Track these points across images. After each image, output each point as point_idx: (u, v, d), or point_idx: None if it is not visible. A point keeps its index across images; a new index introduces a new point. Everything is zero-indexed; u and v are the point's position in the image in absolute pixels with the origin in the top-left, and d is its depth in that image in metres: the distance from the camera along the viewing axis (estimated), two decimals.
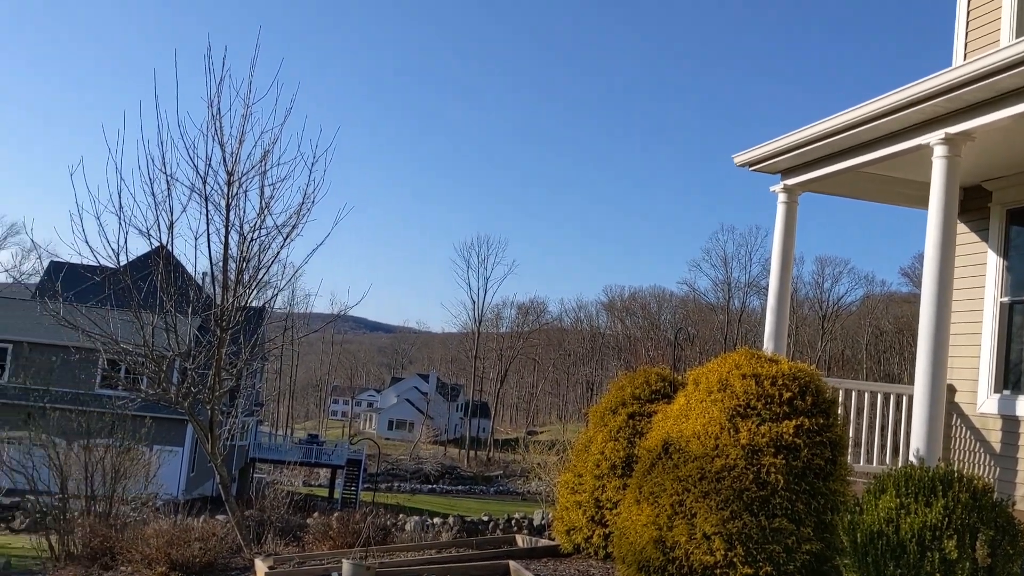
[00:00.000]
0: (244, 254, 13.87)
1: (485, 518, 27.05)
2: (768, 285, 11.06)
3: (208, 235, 13.60)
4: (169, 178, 13.29)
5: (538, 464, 23.94)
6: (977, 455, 9.26)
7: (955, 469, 6.37)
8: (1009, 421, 8.92)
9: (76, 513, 14.82)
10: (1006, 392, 9.16)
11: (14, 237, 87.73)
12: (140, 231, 13.34)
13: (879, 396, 10.30)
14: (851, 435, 9.44)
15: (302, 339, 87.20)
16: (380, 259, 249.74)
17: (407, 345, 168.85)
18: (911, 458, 7.48)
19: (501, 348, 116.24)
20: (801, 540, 7.00)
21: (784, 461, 7.17)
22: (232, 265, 13.82)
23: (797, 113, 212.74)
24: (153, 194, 13.27)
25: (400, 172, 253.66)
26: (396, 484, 75.31)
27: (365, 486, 59.74)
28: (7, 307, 45.73)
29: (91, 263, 13.71)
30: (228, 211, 13.58)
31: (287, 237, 14.07)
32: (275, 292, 16.58)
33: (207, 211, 13.52)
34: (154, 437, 19.09)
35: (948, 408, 9.13)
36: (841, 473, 7.45)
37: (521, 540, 11.19)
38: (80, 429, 15.95)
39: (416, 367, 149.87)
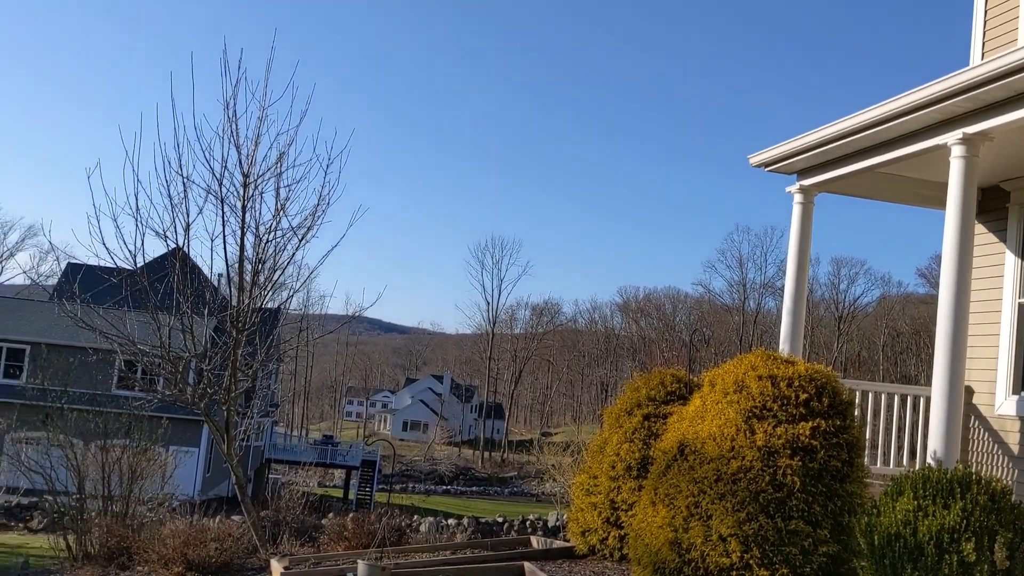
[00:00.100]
0: (260, 255, 13.94)
1: (500, 519, 27.08)
2: (784, 286, 11.01)
3: (224, 237, 13.70)
4: (185, 180, 13.40)
5: (553, 465, 23.95)
6: (995, 457, 9.19)
7: (973, 471, 6.33)
8: None
9: (93, 513, 14.92)
10: None
11: (32, 239, 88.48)
12: (157, 233, 13.44)
13: (896, 398, 10.23)
14: (868, 437, 9.39)
15: (317, 340, 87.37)
16: (395, 260, 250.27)
17: (421, 346, 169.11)
18: (929, 460, 7.43)
19: (515, 349, 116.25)
20: (818, 542, 6.96)
21: (800, 463, 7.14)
22: (248, 266, 13.89)
23: (813, 114, 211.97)
24: (169, 196, 13.38)
25: (414, 174, 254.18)
26: (410, 485, 75.41)
27: (380, 487, 59.83)
28: (25, 309, 46.11)
29: (108, 265, 13.81)
30: (244, 213, 13.66)
31: (302, 238, 14.14)
32: (290, 293, 16.68)
33: (223, 213, 13.62)
34: (170, 438, 19.19)
35: (966, 410, 9.06)
36: (858, 475, 7.41)
37: (536, 541, 11.19)
38: (97, 430, 16.06)
39: (430, 368, 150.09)
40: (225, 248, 13.77)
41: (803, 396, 7.43)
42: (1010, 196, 9.64)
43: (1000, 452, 9.15)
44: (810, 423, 7.29)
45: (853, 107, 10.46)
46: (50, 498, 16.33)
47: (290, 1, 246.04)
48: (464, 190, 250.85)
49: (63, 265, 52.39)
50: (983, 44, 10.04)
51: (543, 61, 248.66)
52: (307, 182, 14.18)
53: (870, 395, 10.17)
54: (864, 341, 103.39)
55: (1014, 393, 9.16)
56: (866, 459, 8.76)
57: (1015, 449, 8.97)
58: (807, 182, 10.40)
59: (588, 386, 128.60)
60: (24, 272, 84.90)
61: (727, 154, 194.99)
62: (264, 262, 14.03)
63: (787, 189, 10.71)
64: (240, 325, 13.69)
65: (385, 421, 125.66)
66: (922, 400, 9.97)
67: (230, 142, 13.54)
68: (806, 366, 7.80)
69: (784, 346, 10.36)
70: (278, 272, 14.38)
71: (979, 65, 7.43)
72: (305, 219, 14.10)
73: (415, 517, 24.04)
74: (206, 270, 14.95)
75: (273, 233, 13.97)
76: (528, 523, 24.15)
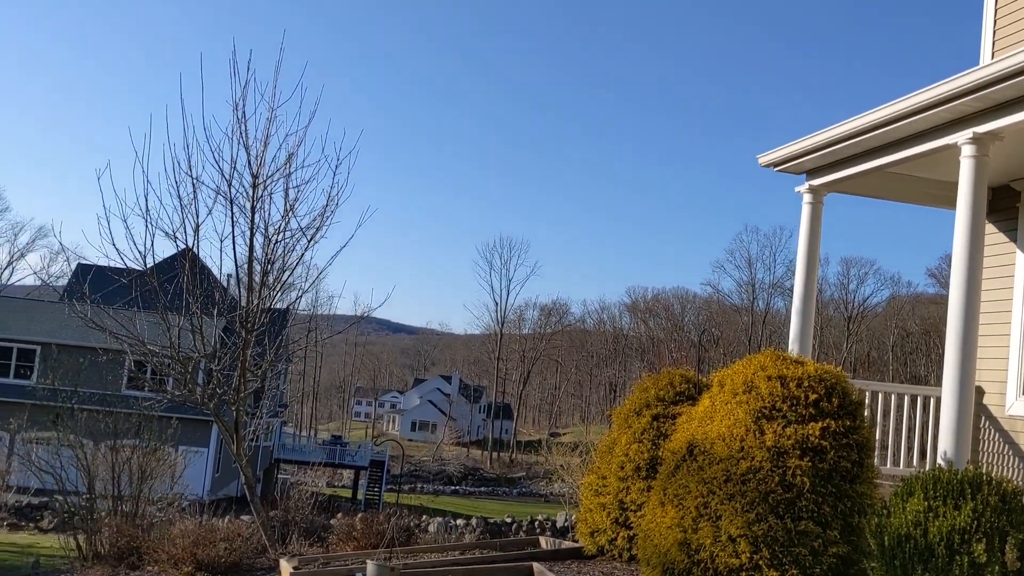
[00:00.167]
0: (269, 256, 13.96)
1: (508, 520, 27.06)
2: (793, 286, 10.99)
3: (233, 237, 13.73)
4: (195, 181, 13.42)
5: (561, 466, 23.93)
6: (1006, 458, 9.16)
7: (984, 472, 6.30)
8: None
9: (103, 513, 14.96)
10: None
11: (42, 240, 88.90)
12: (166, 233, 13.47)
13: (906, 398, 10.21)
14: (877, 437, 9.36)
15: (326, 341, 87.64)
16: (403, 261, 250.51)
17: (430, 347, 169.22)
18: (939, 460, 7.41)
19: (524, 349, 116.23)
20: (827, 543, 6.95)
21: (810, 463, 7.13)
22: (257, 267, 13.92)
23: (822, 114, 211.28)
24: (179, 197, 13.40)
25: (422, 174, 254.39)
26: (419, 485, 75.47)
27: (388, 487, 59.88)
28: (36, 309, 46.30)
29: (118, 265, 13.85)
30: (253, 213, 13.67)
31: (311, 239, 14.15)
32: (299, 294, 16.69)
33: (232, 213, 13.64)
34: (180, 438, 19.23)
35: (976, 410, 9.03)
36: (868, 475, 7.39)
37: (545, 542, 11.18)
38: (107, 430, 16.09)
39: (439, 368, 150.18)
40: (234, 249, 13.82)
41: (813, 396, 7.42)
42: (1020, 196, 9.61)
43: (1011, 453, 9.12)
44: (820, 423, 7.27)
45: (863, 107, 10.44)
46: (60, 498, 16.39)
47: (294, 2, 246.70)
48: (472, 191, 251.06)
49: (73, 266, 52.65)
50: (993, 43, 10.00)
51: (549, 62, 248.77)
52: (316, 183, 14.20)
53: (880, 395, 10.15)
54: (874, 341, 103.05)
55: None
56: (876, 460, 8.75)
57: None
58: (816, 182, 10.38)
59: (596, 386, 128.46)
60: (35, 273, 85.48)
61: (735, 154, 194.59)
62: (273, 263, 14.05)
63: (796, 189, 10.69)
64: (249, 325, 13.72)
65: (394, 421, 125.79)
66: (932, 400, 9.94)
67: (239, 143, 13.58)
68: (815, 366, 7.78)
69: (793, 346, 10.34)
70: (287, 273, 14.40)
71: (989, 64, 7.41)
72: (314, 220, 14.13)
73: (424, 517, 24.05)
74: (215, 271, 14.99)
75: (282, 234, 14.00)
76: (537, 524, 24.11)
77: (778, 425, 7.32)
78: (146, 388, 16.79)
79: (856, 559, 6.92)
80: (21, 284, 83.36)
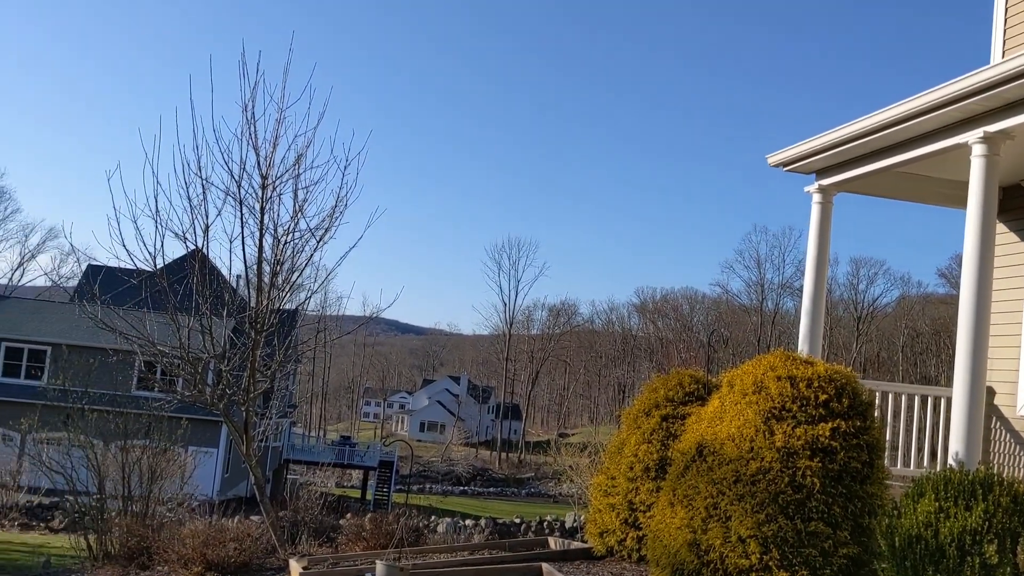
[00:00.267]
0: (278, 257, 14.00)
1: (517, 520, 27.03)
2: (802, 286, 10.96)
3: (243, 238, 13.75)
4: (204, 182, 13.46)
5: (570, 466, 23.90)
6: (1018, 458, 9.12)
7: (995, 472, 6.28)
8: None
9: (113, 513, 15.01)
10: None
11: (53, 241, 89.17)
12: (176, 235, 13.51)
13: (916, 398, 10.17)
14: (888, 438, 9.33)
15: (334, 341, 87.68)
16: (412, 261, 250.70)
17: (438, 347, 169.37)
18: (950, 461, 7.39)
19: (532, 350, 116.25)
20: (838, 544, 6.92)
21: (820, 464, 7.10)
22: (266, 268, 13.96)
23: (831, 114, 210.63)
24: (189, 198, 13.44)
25: (429, 175, 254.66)
26: (428, 486, 75.57)
27: (397, 487, 59.96)
28: (46, 310, 46.51)
29: (128, 266, 13.90)
30: (262, 214, 13.71)
31: (320, 240, 14.18)
32: (308, 294, 16.74)
33: (242, 214, 13.67)
34: (190, 438, 19.29)
35: (987, 411, 8.99)
36: (878, 476, 7.36)
37: (554, 542, 11.18)
38: (117, 430, 16.14)
39: (447, 369, 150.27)
40: (244, 250, 13.84)
41: (822, 397, 7.39)
42: None
43: (1022, 453, 9.07)
44: (830, 424, 7.24)
45: (873, 106, 10.40)
46: (71, 498, 16.46)
47: (299, 3, 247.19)
48: (481, 192, 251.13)
49: (83, 267, 52.94)
50: (1004, 42, 9.96)
51: (555, 61, 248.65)
52: (324, 183, 14.22)
53: (890, 396, 10.11)
54: (883, 342, 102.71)
55: None
56: (886, 460, 8.72)
57: None
58: (826, 182, 10.35)
59: (605, 387, 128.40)
60: (45, 274, 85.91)
61: (744, 154, 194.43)
62: (282, 263, 14.09)
63: (805, 189, 10.66)
64: (259, 326, 13.75)
65: (402, 422, 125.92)
66: (942, 401, 9.90)
67: (248, 144, 13.61)
68: (825, 367, 7.76)
69: (803, 346, 10.31)
70: (296, 273, 14.44)
71: (999, 64, 7.38)
72: (323, 220, 14.16)
73: (433, 518, 24.04)
74: (225, 272, 15.02)
75: (291, 235, 14.03)
76: (546, 524, 24.07)
77: (788, 426, 7.30)
78: (156, 389, 16.81)
79: (866, 560, 6.89)
80: (32, 285, 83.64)
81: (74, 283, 61.07)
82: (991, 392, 9.28)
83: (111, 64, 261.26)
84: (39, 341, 42.36)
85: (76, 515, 16.69)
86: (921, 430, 9.99)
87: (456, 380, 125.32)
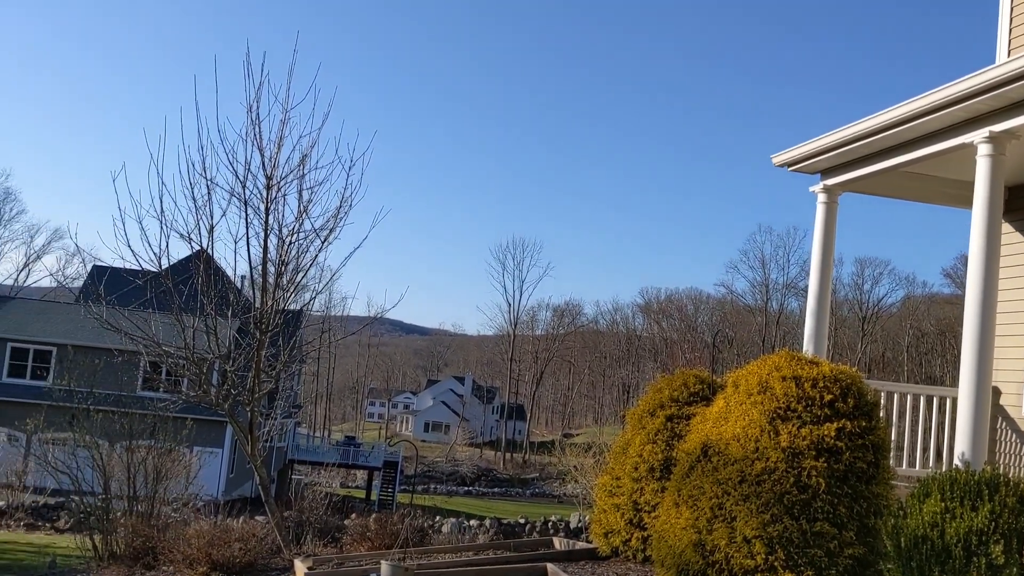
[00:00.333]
0: (282, 257, 13.99)
1: (522, 520, 26.99)
2: (807, 287, 10.95)
3: (247, 239, 13.76)
4: (209, 183, 13.46)
5: (575, 467, 23.88)
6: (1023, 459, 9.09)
7: (1001, 473, 6.26)
8: None
9: (119, 513, 15.03)
10: None
11: (58, 242, 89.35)
12: (181, 235, 13.51)
13: (921, 399, 10.15)
14: (893, 438, 9.31)
15: (339, 341, 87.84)
16: (416, 262, 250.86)
17: (443, 348, 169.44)
18: (956, 461, 7.37)
19: (536, 350, 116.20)
20: (843, 544, 6.91)
21: (825, 464, 7.09)
22: (271, 268, 13.96)
23: (837, 113, 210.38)
24: (194, 199, 13.44)
25: (433, 175, 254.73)
26: (432, 486, 75.55)
27: (402, 488, 59.96)
28: (52, 311, 46.62)
29: (133, 267, 13.93)
30: (267, 215, 13.71)
31: (325, 240, 14.17)
32: (313, 295, 16.75)
33: (246, 215, 13.67)
34: (195, 438, 19.31)
35: (993, 411, 8.97)
36: (884, 476, 7.35)
37: (558, 543, 11.17)
38: (123, 430, 16.17)
39: (452, 369, 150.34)
40: (248, 250, 13.86)
41: (828, 397, 7.38)
42: None
43: None
44: (835, 424, 7.24)
45: (878, 104, 10.38)
46: (76, 498, 16.47)
47: (305, 3, 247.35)
48: (486, 192, 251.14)
49: (89, 267, 53.01)
50: (1009, 42, 9.94)
51: (559, 59, 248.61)
52: (329, 184, 14.21)
53: (895, 396, 10.09)
54: (888, 342, 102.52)
55: None
56: (892, 460, 8.70)
57: None
58: (831, 182, 10.34)
59: (610, 387, 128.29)
60: (50, 274, 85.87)
61: (749, 154, 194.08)
62: (287, 264, 14.09)
63: (810, 189, 10.65)
64: (263, 327, 13.76)
65: (407, 422, 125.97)
66: (948, 401, 9.88)
67: (253, 145, 13.61)
68: (830, 367, 7.75)
69: (808, 347, 10.30)
70: (301, 274, 14.44)
71: (1005, 63, 7.36)
72: (328, 221, 14.15)
73: (437, 518, 24.03)
74: (230, 272, 15.05)
75: (296, 235, 14.03)
76: (550, 524, 24.04)
77: (793, 426, 7.29)
78: (161, 389, 16.87)
79: (872, 560, 6.88)
80: (37, 286, 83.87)
81: (79, 284, 61.20)
82: (997, 392, 9.26)
83: (115, 63, 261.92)
84: (44, 342, 42.45)
85: (81, 515, 16.70)
86: (926, 430, 9.97)
87: (460, 380, 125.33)
